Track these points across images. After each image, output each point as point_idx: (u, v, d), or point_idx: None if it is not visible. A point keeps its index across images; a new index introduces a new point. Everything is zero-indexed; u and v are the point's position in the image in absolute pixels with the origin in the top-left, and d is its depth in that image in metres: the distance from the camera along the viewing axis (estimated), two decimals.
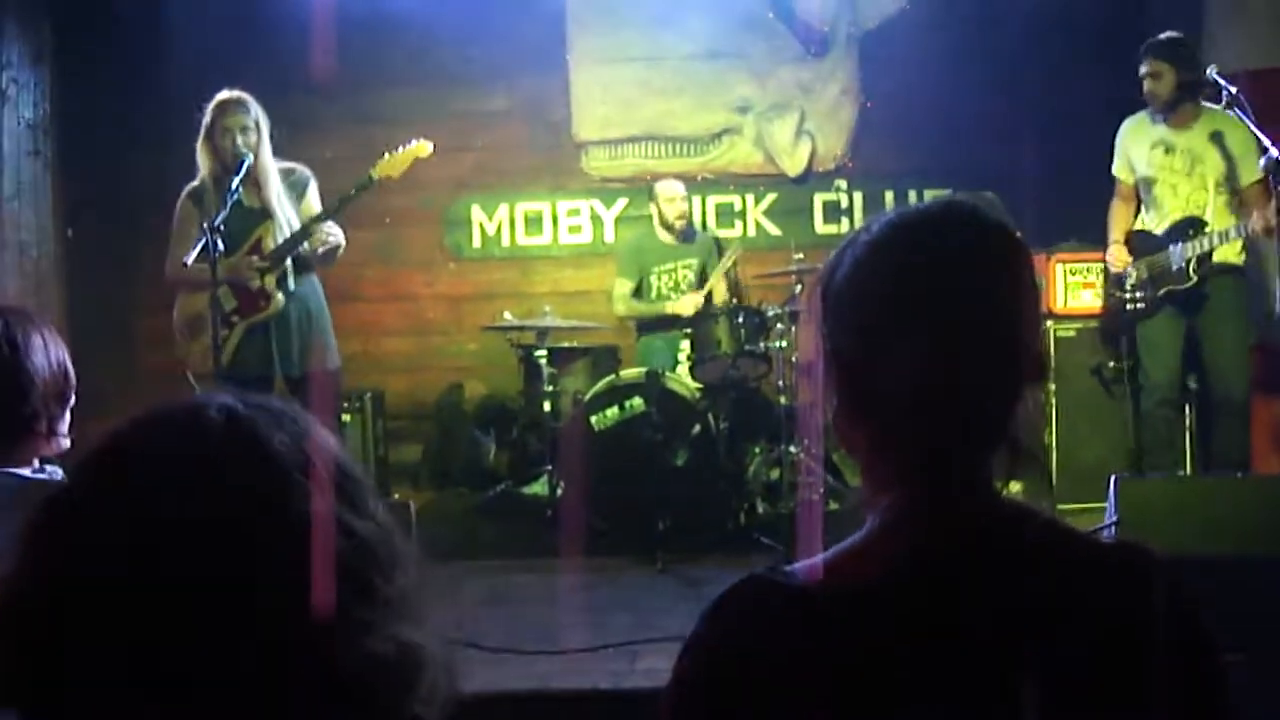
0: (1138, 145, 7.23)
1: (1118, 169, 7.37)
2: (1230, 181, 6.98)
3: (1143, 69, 7.05)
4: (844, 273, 1.63)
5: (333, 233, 6.69)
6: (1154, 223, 7.18)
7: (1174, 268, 7.01)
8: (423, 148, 6.88)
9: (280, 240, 6.61)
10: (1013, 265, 1.61)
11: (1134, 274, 7.14)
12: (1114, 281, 7.35)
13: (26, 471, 2.87)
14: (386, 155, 6.86)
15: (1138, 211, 7.34)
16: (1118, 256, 7.23)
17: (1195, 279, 6.97)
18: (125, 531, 1.07)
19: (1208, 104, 7.02)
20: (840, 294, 1.63)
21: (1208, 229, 6.94)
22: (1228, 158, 6.96)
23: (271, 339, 6.63)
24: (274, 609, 1.07)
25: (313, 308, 6.79)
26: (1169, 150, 7.09)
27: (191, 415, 1.16)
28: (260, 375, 6.52)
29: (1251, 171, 6.86)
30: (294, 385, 6.75)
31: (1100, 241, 7.50)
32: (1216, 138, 6.98)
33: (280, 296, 6.63)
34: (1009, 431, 1.57)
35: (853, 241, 1.65)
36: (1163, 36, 7.05)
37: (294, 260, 6.69)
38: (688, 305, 8.24)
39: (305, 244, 6.65)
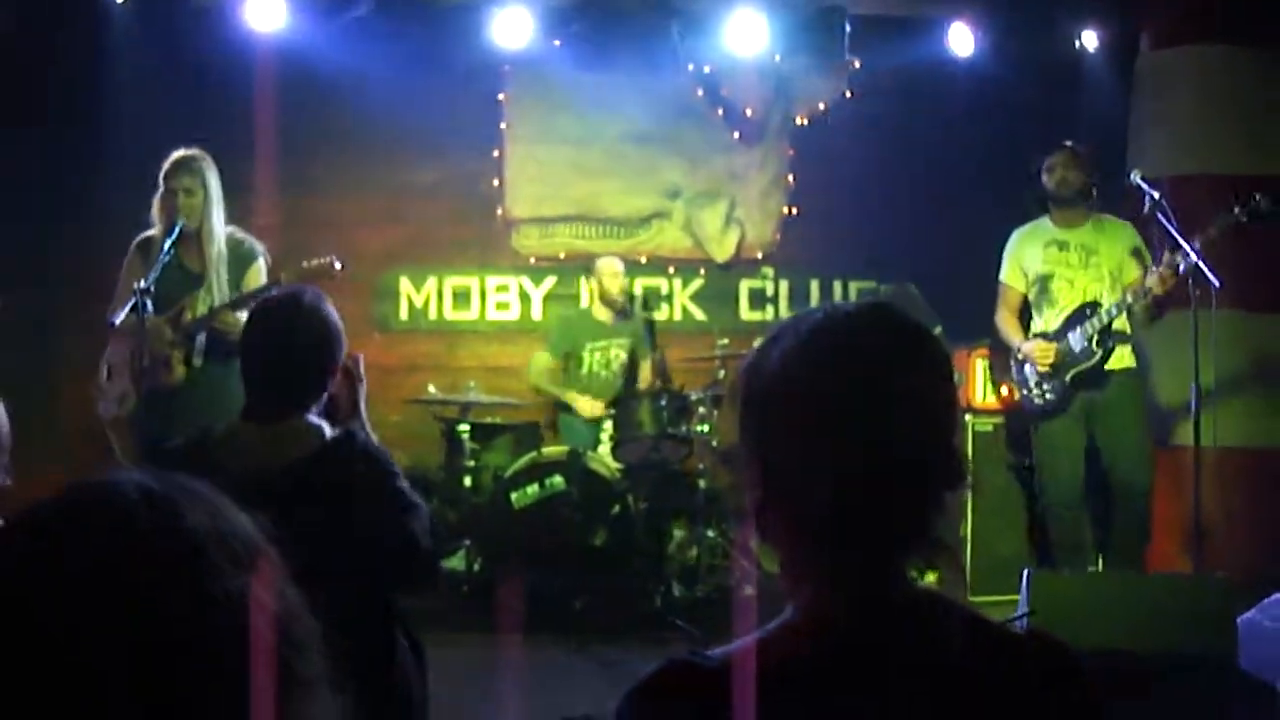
0: (1030, 248, 7.32)
1: (1008, 276, 7.42)
2: (1120, 276, 7.12)
3: (1046, 163, 7.20)
4: (770, 372, 1.65)
5: (239, 324, 6.45)
6: (1048, 322, 7.24)
7: (1077, 349, 7.08)
8: (329, 267, 6.59)
9: (200, 313, 6.48)
10: (936, 371, 1.65)
11: (1039, 369, 7.19)
12: (1019, 381, 7.33)
13: None
14: (302, 264, 6.60)
15: (1025, 323, 7.41)
16: (1041, 350, 7.15)
17: (1100, 353, 7.05)
18: (41, 609, 1.06)
19: (1094, 213, 7.20)
20: (766, 394, 1.65)
21: (1104, 306, 7.04)
22: (1117, 254, 7.12)
23: (172, 409, 6.31)
24: (194, 687, 1.07)
25: (222, 395, 6.19)
26: (1063, 247, 7.21)
27: (109, 493, 1.16)
28: (156, 440, 6.02)
29: (1132, 271, 7.08)
30: None
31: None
32: (1104, 235, 7.15)
33: (180, 370, 6.44)
34: (928, 533, 1.61)
35: (777, 339, 1.67)
36: (1066, 142, 7.23)
37: (211, 341, 6.49)
38: (588, 408, 8.32)
39: (214, 327, 6.43)
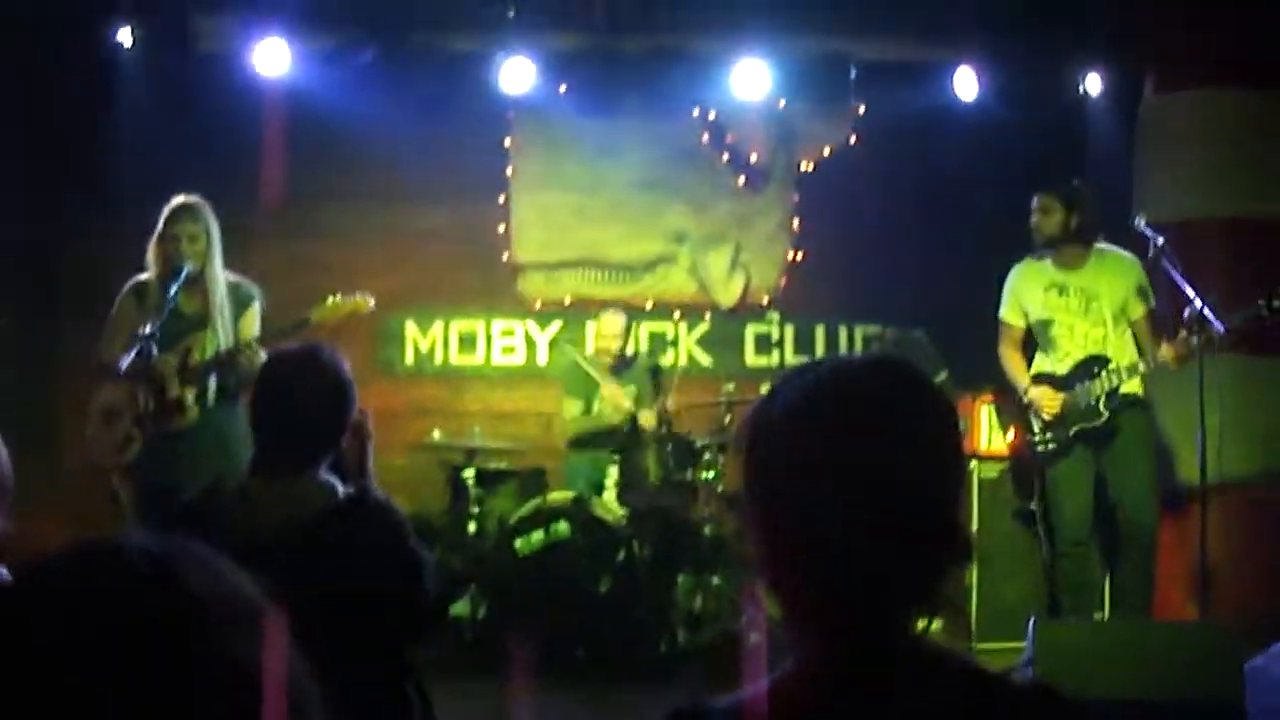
0: (1030, 289, 7.30)
1: (1008, 314, 7.40)
2: (1123, 316, 7.11)
3: (1034, 203, 7.19)
4: (775, 422, 1.65)
5: (261, 358, 6.55)
6: (1053, 363, 7.23)
7: (1083, 406, 7.07)
8: (364, 304, 6.80)
9: (210, 354, 6.55)
10: (942, 426, 1.66)
11: (1043, 416, 7.19)
12: (1025, 425, 7.31)
13: None
14: (330, 300, 6.78)
15: (1028, 354, 7.41)
16: (1047, 397, 7.14)
17: (1106, 414, 7.04)
18: (46, 671, 1.05)
19: (1099, 245, 7.17)
20: (770, 443, 1.65)
21: (1112, 365, 7.03)
22: (1120, 292, 7.10)
23: (180, 451, 6.41)
24: None
25: (229, 437, 6.43)
26: (1063, 291, 7.18)
27: (115, 556, 1.14)
28: (163, 484, 6.20)
29: (1137, 308, 7.06)
30: None
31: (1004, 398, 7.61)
32: (1105, 273, 7.13)
33: (194, 412, 6.48)
34: (932, 591, 1.61)
35: (783, 389, 1.67)
36: (1058, 179, 7.23)
37: (219, 382, 6.56)
38: (619, 398, 8.32)
39: (232, 366, 6.49)
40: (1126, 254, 7.17)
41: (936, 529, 1.60)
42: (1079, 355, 7.14)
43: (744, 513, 1.69)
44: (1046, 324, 7.22)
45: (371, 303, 6.82)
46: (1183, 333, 6.69)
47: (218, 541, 1.21)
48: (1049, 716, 1.61)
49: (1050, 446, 7.14)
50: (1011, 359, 7.40)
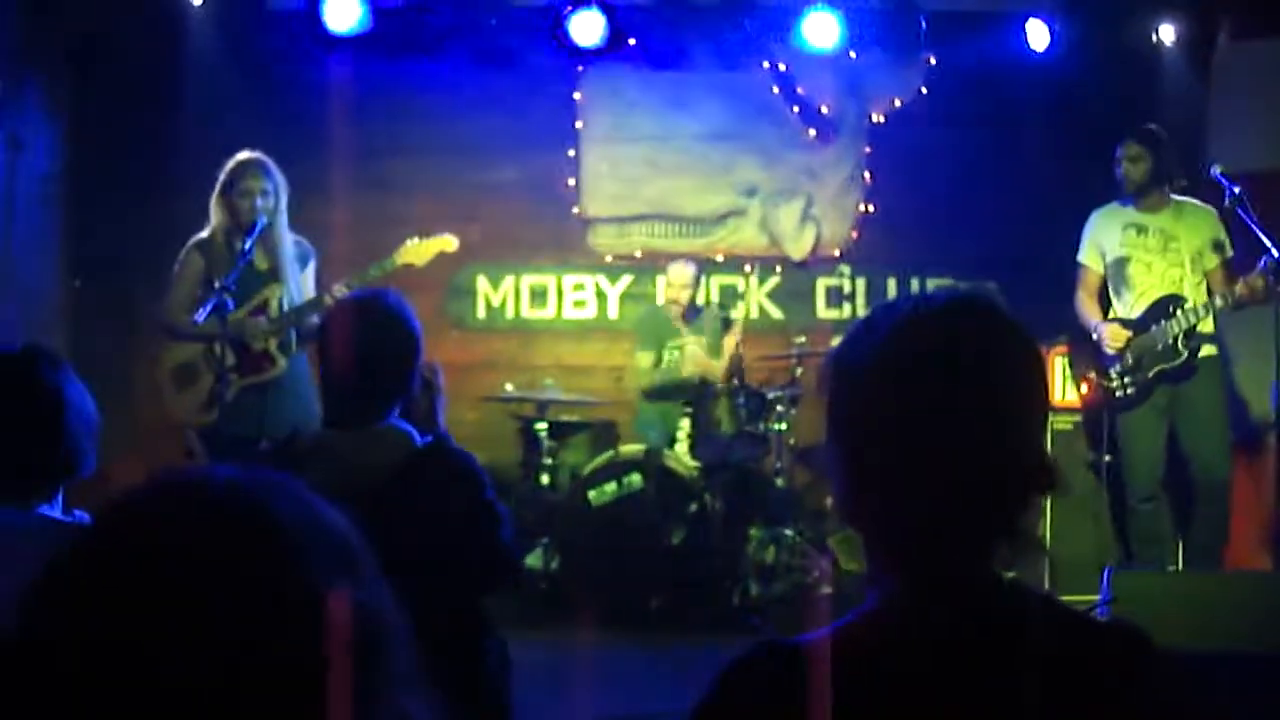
0: (1108, 230, 7.28)
1: (1086, 257, 7.39)
2: (1199, 262, 7.06)
3: (1120, 152, 7.15)
4: (862, 364, 1.66)
5: None
6: (1128, 307, 7.21)
7: (1159, 347, 7.03)
8: (449, 242, 6.88)
9: (287, 305, 6.63)
10: (1031, 367, 1.66)
11: (1121, 360, 7.15)
12: (1100, 370, 7.28)
13: (58, 515, 2.90)
14: (412, 241, 6.85)
15: (1105, 305, 7.37)
16: (1114, 333, 7.14)
17: (1185, 354, 7.00)
18: (130, 601, 1.07)
19: (1176, 197, 7.14)
20: (856, 385, 1.66)
21: (1188, 304, 6.99)
22: (1197, 240, 7.06)
23: (266, 402, 6.55)
24: (282, 680, 1.07)
25: (303, 379, 6.70)
26: (1141, 231, 7.16)
27: (197, 486, 1.16)
28: (248, 436, 6.35)
29: (1213, 258, 7.04)
30: None
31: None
32: (1184, 221, 7.09)
33: (284, 361, 6.61)
34: (1017, 529, 1.61)
35: (868, 331, 1.67)
36: (1141, 127, 7.19)
37: (296, 330, 6.68)
38: (698, 356, 8.35)
39: (315, 315, 6.57)
40: (1205, 205, 7.12)
41: (1021, 463, 1.61)
42: (1155, 295, 7.10)
43: (828, 451, 1.70)
44: (1123, 262, 7.19)
45: (455, 242, 6.87)
46: (1261, 270, 6.64)
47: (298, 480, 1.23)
48: (1134, 655, 1.61)
49: (1129, 392, 7.10)
50: (1087, 304, 7.37)
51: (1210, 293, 7.05)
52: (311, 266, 6.86)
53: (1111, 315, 7.29)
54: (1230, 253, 7.00)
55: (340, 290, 6.48)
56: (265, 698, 1.06)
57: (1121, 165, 7.14)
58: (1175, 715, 1.61)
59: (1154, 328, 7.04)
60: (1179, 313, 6.99)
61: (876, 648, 1.56)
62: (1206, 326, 7.03)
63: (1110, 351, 7.14)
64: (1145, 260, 7.13)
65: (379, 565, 1.22)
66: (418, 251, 6.83)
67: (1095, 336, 7.22)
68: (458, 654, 3.42)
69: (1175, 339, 6.98)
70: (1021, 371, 1.64)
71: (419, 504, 3.37)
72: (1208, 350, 7.05)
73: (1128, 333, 7.10)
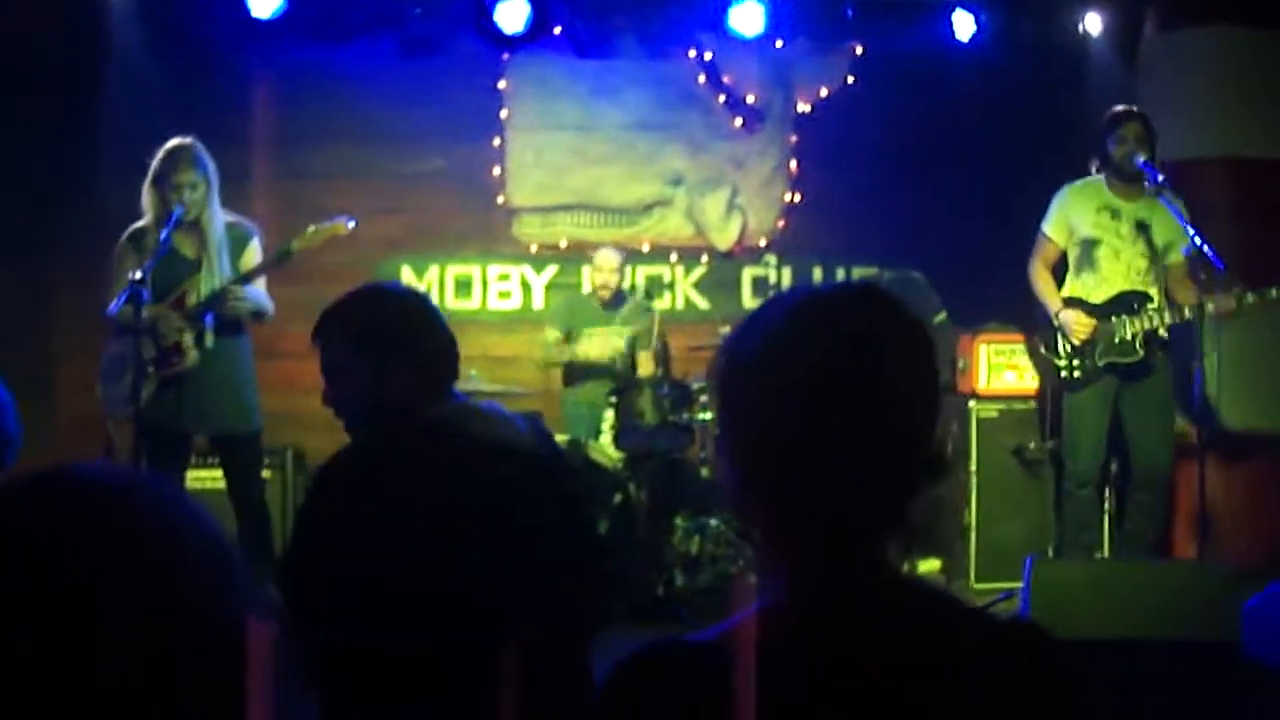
0: (1082, 207, 7.16)
1: (1053, 229, 7.23)
2: (1165, 256, 7.07)
3: (1120, 130, 7.03)
4: (750, 352, 1.64)
5: (248, 299, 6.58)
6: (1090, 288, 7.14)
7: (1116, 339, 7.01)
8: (341, 227, 6.75)
9: (203, 297, 6.54)
10: (919, 356, 1.64)
11: (1072, 340, 7.09)
12: (1049, 347, 7.20)
13: None
14: (310, 229, 6.75)
15: (1059, 279, 7.32)
16: (1079, 323, 7.04)
17: (1142, 354, 6.98)
18: None
19: (1150, 186, 7.09)
20: (745, 373, 1.64)
21: (1153, 305, 6.98)
22: (1167, 234, 7.03)
23: (184, 395, 6.49)
24: (139, 677, 1.06)
25: (233, 367, 6.65)
26: (1115, 215, 7.08)
27: (56, 481, 1.15)
28: (171, 429, 6.46)
29: (1177, 256, 7.03)
30: (213, 444, 6.75)
31: (1023, 323, 7.54)
32: (1159, 214, 7.02)
33: (194, 353, 6.49)
34: (907, 519, 1.60)
35: (757, 320, 1.67)
36: (1128, 109, 7.14)
37: (218, 318, 6.57)
38: (601, 345, 8.41)
39: (222, 306, 6.51)
40: (1177, 199, 7.03)
41: (909, 451, 1.59)
42: (1120, 285, 7.06)
43: (719, 442, 1.68)
44: (1093, 243, 7.12)
45: (350, 225, 6.77)
46: (1234, 289, 6.69)
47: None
48: (1027, 651, 1.60)
49: (1076, 375, 7.10)
50: (1042, 276, 7.27)
51: (1170, 294, 7.06)
52: (254, 245, 6.78)
53: (1069, 292, 7.21)
54: (1195, 253, 6.94)
55: (238, 286, 6.50)
56: (118, 695, 1.05)
57: (1125, 143, 6.99)
58: (1067, 714, 1.58)
59: (1114, 319, 7.01)
60: (1143, 312, 6.97)
61: (762, 647, 1.53)
62: (1164, 329, 7.02)
63: (1075, 341, 7.07)
64: (1115, 246, 7.06)
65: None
66: (312, 237, 6.69)
67: (1056, 322, 7.14)
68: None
69: (1134, 337, 6.96)
70: (911, 360, 1.63)
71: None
72: (1163, 342, 7.04)
73: (1093, 322, 7.03)
